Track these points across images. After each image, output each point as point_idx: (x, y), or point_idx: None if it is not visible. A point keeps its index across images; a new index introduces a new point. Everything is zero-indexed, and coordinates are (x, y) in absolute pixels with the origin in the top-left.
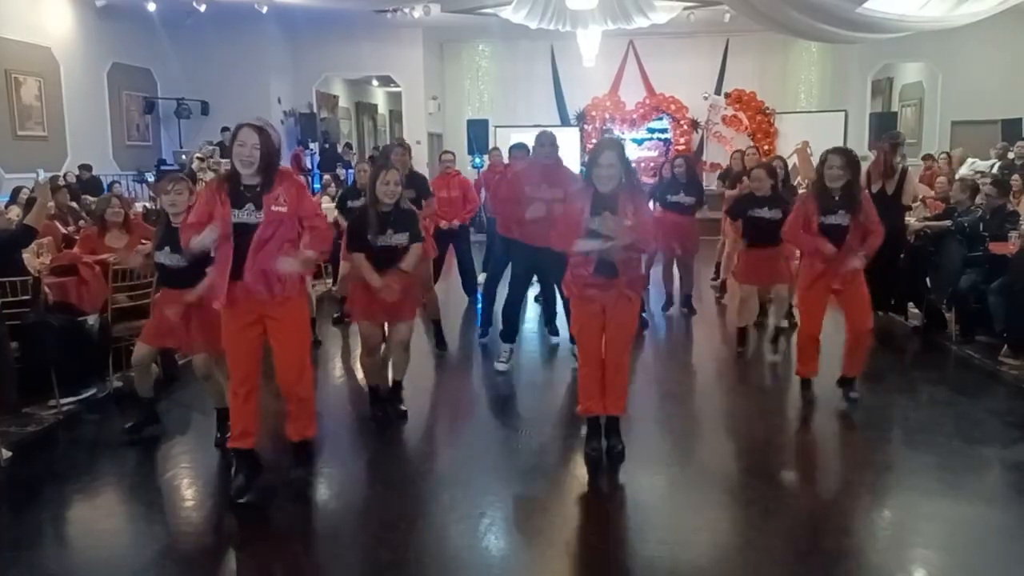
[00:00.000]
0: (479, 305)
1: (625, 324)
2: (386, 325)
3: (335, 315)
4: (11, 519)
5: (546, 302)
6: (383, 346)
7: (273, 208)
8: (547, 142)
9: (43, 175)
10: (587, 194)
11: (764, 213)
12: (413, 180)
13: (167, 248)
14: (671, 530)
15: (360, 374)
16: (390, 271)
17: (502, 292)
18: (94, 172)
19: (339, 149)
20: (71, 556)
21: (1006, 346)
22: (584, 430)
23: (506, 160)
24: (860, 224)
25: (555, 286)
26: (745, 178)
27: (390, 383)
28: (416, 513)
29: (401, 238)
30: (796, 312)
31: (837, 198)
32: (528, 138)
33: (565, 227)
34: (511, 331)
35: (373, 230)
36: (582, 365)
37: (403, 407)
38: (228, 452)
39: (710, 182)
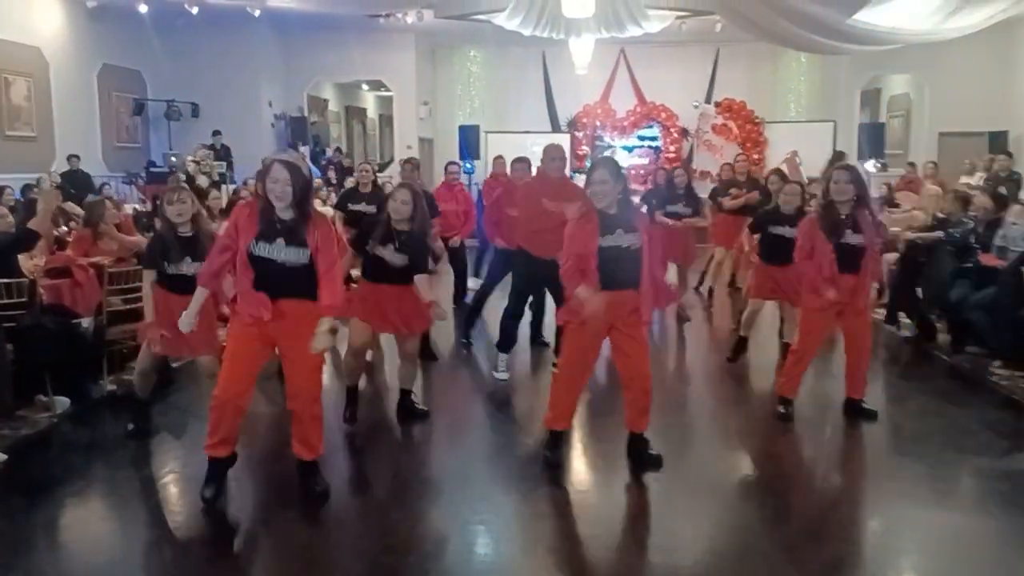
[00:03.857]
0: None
1: (638, 338)
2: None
3: None
4: (5, 522)
5: (536, 312)
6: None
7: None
8: (557, 155)
9: (49, 182)
10: (592, 218)
11: (785, 231)
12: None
13: (188, 259)
14: (668, 538)
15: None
16: (391, 285)
17: (494, 302)
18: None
19: (328, 153)
20: (65, 560)
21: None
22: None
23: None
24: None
25: (552, 298)
26: (733, 188)
27: (398, 392)
28: (416, 519)
29: (399, 259)
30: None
31: (844, 216)
32: (520, 143)
33: (575, 261)
34: (509, 342)
35: (375, 239)
36: (566, 377)
37: (421, 407)
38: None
39: (700, 190)
